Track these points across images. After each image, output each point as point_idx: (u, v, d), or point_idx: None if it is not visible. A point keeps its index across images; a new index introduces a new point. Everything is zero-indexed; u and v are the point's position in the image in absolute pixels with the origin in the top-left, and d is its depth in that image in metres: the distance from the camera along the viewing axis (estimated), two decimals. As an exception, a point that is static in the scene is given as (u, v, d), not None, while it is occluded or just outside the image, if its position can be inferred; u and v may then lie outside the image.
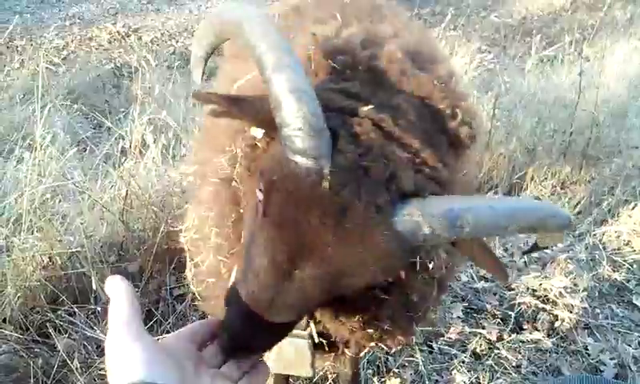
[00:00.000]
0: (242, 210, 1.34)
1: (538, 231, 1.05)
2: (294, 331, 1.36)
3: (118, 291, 0.94)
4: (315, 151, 0.95)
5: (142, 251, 2.79)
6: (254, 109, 1.09)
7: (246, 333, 1.04)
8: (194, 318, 2.65)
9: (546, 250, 3.55)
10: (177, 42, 7.88)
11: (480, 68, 6.06)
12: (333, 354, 1.75)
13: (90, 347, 2.43)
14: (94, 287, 2.54)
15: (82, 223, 2.75)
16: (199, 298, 1.71)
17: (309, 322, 1.48)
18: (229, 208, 1.39)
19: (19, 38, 7.15)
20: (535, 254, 3.52)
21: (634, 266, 3.46)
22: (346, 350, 1.71)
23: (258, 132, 1.17)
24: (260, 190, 1.03)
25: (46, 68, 5.73)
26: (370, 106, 1.05)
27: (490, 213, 0.95)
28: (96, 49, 7.37)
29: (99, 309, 2.55)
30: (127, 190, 2.75)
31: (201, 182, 1.58)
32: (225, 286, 1.43)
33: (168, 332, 2.51)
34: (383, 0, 1.82)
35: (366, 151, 0.99)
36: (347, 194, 0.95)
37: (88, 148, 3.92)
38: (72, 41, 7.49)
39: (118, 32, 8.07)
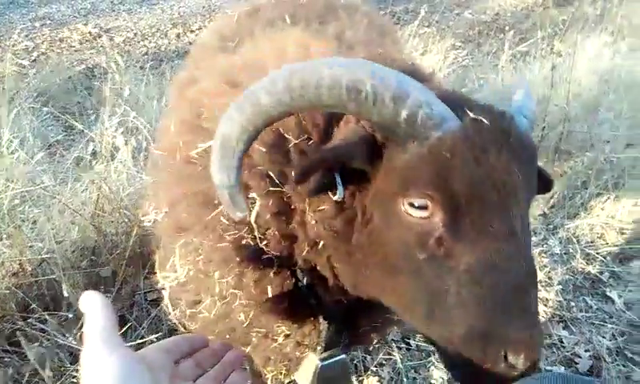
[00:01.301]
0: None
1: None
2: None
3: (93, 305, 0.92)
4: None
5: (115, 255, 2.74)
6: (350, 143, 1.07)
7: None
8: (169, 322, 2.61)
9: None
10: (149, 42, 7.79)
11: (454, 65, 6.09)
12: None
13: (62, 355, 2.39)
14: (65, 294, 2.48)
15: (52, 229, 2.70)
16: (185, 328, 1.66)
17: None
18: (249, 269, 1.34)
19: (-13, 41, 7.00)
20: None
21: (608, 258, 3.50)
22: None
23: (339, 190, 1.12)
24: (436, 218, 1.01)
25: (15, 71, 5.64)
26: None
27: None
28: (67, 50, 7.25)
29: (71, 316, 2.50)
30: (98, 194, 2.70)
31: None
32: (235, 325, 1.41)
33: (143, 337, 2.47)
34: None
35: None
36: (514, 133, 1.04)
37: (59, 152, 3.85)
38: (42, 42, 7.36)
39: (89, 33, 7.95)
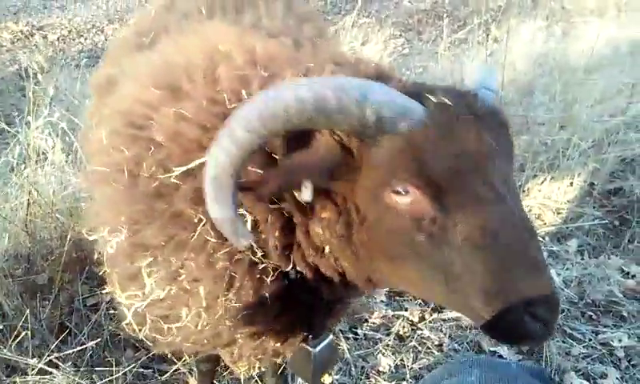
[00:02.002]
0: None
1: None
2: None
3: None
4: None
5: (51, 261, 2.65)
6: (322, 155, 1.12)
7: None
8: (110, 327, 2.55)
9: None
10: (85, 39, 7.56)
11: (394, 54, 6.16)
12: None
13: (-4, 368, 2.30)
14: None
15: (-19, 237, 2.59)
16: (150, 341, 1.59)
17: None
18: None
19: None
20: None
21: (546, 238, 3.61)
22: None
23: (307, 193, 1.14)
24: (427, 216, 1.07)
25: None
26: None
27: None
28: (-3, 50, 6.96)
29: (6, 325, 2.40)
30: (29, 199, 2.60)
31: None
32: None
33: (83, 343, 2.40)
34: None
35: None
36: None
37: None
38: (-31, 42, 7.04)
39: (21, 31, 7.66)
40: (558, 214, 3.81)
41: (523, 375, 0.88)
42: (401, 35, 7.30)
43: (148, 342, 1.60)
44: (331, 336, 1.62)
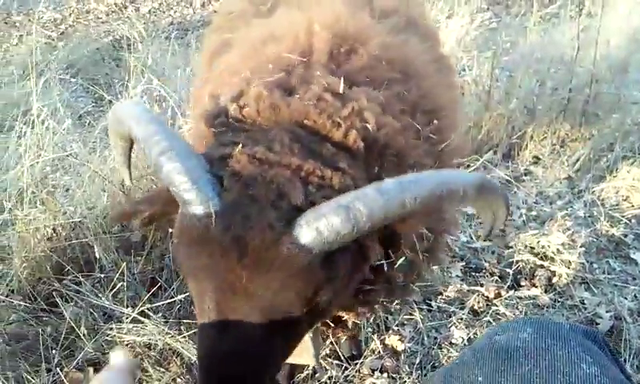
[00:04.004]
0: None
1: (446, 202, 1.05)
2: None
3: (118, 360, 1.04)
4: (201, 197, 1.00)
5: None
6: (159, 195, 1.17)
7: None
8: (196, 283, 2.71)
9: (544, 208, 3.58)
10: (174, 12, 7.83)
11: (481, 28, 5.99)
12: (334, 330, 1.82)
13: (95, 314, 2.50)
14: (97, 256, 2.60)
15: (83, 195, 2.80)
16: None
17: None
18: None
19: (16, 13, 7.12)
20: (533, 213, 3.55)
21: (633, 220, 3.48)
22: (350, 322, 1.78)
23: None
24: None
25: (44, 43, 5.75)
26: (240, 146, 1.09)
27: (376, 196, 0.97)
28: (94, 22, 7.34)
29: (104, 277, 2.61)
30: (127, 161, 2.79)
31: None
32: None
33: (172, 297, 2.57)
34: None
35: (249, 181, 1.03)
36: (239, 224, 0.99)
37: (88, 122, 3.95)
38: (69, 14, 7.45)
39: (115, 4, 8.02)
40: (648, 196, 3.65)
41: (576, 335, 0.90)
42: (488, 9, 7.07)
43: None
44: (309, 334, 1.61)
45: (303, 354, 1.61)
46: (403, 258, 1.22)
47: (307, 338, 1.58)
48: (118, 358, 1.04)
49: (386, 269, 1.18)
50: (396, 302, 2.72)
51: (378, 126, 1.20)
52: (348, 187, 1.06)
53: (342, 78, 1.25)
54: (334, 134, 1.15)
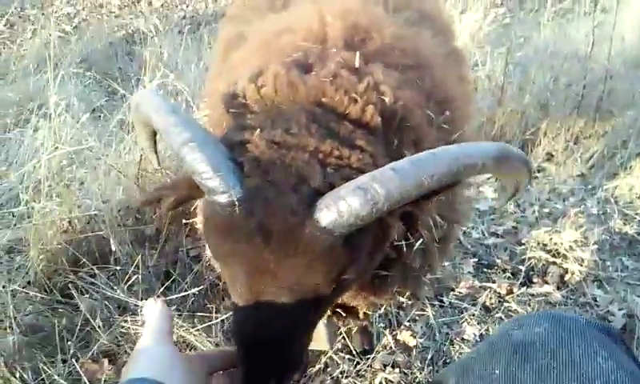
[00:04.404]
0: None
1: (465, 176, 1.05)
2: None
3: (154, 311, 1.05)
4: (223, 186, 1.01)
5: (158, 214, 2.86)
6: (184, 180, 1.16)
7: (263, 367, 1.12)
8: (210, 277, 2.73)
9: (556, 205, 3.57)
10: (187, 6, 7.86)
11: (494, 23, 5.97)
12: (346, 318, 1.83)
13: (111, 306, 2.52)
14: (113, 249, 2.62)
15: (98, 188, 2.83)
16: None
17: None
18: None
19: (30, 7, 7.18)
20: (546, 209, 3.54)
21: (647, 217, 3.47)
22: (361, 311, 1.79)
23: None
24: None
25: (58, 37, 5.79)
26: (259, 130, 1.09)
27: (393, 175, 0.96)
28: (107, 16, 7.38)
29: (119, 269, 2.64)
30: (141, 155, 2.81)
31: None
32: None
33: (186, 290, 2.59)
34: None
35: (269, 167, 1.04)
36: (261, 211, 1.00)
37: (102, 115, 3.98)
38: (83, 8, 7.51)
39: (128, -3, 8.06)
40: (662, 194, 3.63)
41: (591, 330, 0.90)
42: (502, 3, 7.03)
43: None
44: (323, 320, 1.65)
45: (318, 340, 1.63)
46: (420, 242, 1.23)
47: (321, 325, 1.60)
48: (152, 314, 1.04)
49: (404, 248, 1.20)
50: (407, 295, 2.74)
51: (395, 99, 1.19)
52: (367, 165, 1.06)
53: (358, 53, 1.26)
54: (351, 111, 1.15)
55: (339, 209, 0.96)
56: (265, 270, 1.03)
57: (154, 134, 1.32)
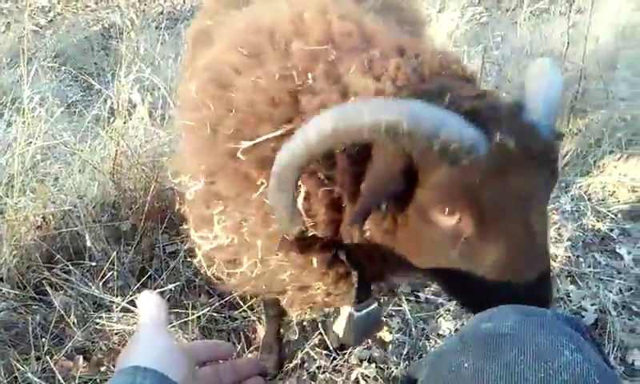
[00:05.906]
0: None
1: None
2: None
3: (148, 303, 1.04)
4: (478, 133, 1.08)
5: (134, 210, 2.84)
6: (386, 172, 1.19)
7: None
8: (187, 273, 2.72)
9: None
10: (164, 1, 7.78)
11: (471, 22, 6.02)
12: None
13: (85, 303, 2.50)
14: (88, 245, 2.60)
15: (73, 184, 2.80)
16: (217, 280, 1.74)
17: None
18: None
19: (4, 0, 7.04)
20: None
21: (619, 215, 3.53)
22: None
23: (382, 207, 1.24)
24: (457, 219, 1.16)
25: (33, 30, 5.70)
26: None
27: None
28: (82, 10, 7.27)
29: (94, 265, 2.61)
30: (117, 150, 2.79)
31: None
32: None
33: (162, 287, 2.58)
34: None
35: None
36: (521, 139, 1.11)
37: (78, 110, 3.93)
38: (58, 2, 7.38)
39: (104, -8, 7.95)
40: (634, 191, 3.70)
41: (559, 323, 0.93)
42: (479, 3, 7.10)
43: (215, 281, 1.75)
44: (375, 304, 1.69)
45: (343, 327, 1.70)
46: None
47: (349, 314, 1.67)
48: (148, 305, 1.03)
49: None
50: (383, 293, 2.77)
51: None
52: None
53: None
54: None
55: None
56: (534, 195, 1.13)
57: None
